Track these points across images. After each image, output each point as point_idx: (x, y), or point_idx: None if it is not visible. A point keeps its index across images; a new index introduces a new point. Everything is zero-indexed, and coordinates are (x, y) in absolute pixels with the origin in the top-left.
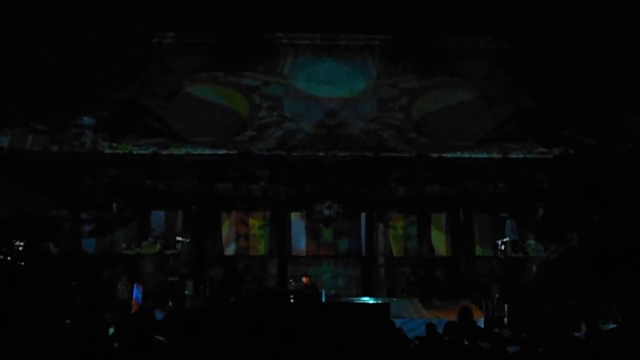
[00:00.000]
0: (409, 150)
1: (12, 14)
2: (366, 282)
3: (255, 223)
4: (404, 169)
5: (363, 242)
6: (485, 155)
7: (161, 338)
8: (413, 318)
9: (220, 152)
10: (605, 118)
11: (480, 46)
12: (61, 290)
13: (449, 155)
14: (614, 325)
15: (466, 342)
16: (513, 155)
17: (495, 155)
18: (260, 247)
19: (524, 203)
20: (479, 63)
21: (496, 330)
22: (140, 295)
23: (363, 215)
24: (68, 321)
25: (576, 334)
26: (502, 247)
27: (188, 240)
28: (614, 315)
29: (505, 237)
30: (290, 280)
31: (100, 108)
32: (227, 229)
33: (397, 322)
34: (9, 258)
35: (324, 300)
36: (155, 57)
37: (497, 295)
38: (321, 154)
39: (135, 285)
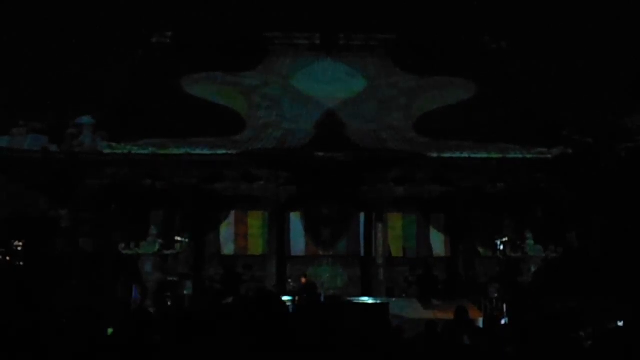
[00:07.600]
0: (408, 150)
1: (11, 14)
2: (365, 282)
3: (254, 223)
4: (402, 169)
5: (362, 242)
6: (484, 155)
7: (159, 337)
8: (412, 318)
9: (219, 152)
10: (604, 118)
11: (479, 46)
12: (60, 290)
13: (448, 155)
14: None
15: (466, 342)
16: (512, 155)
17: (494, 155)
18: (259, 247)
19: (523, 203)
20: (478, 63)
21: (495, 329)
22: (139, 295)
23: (362, 215)
24: (67, 321)
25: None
26: (501, 247)
27: (187, 240)
28: (613, 315)
29: (504, 236)
30: (289, 280)
31: (99, 108)
32: (226, 229)
33: (396, 322)
34: (7, 258)
35: (322, 300)
36: (154, 56)
37: (496, 295)
38: (320, 154)
39: (134, 285)
